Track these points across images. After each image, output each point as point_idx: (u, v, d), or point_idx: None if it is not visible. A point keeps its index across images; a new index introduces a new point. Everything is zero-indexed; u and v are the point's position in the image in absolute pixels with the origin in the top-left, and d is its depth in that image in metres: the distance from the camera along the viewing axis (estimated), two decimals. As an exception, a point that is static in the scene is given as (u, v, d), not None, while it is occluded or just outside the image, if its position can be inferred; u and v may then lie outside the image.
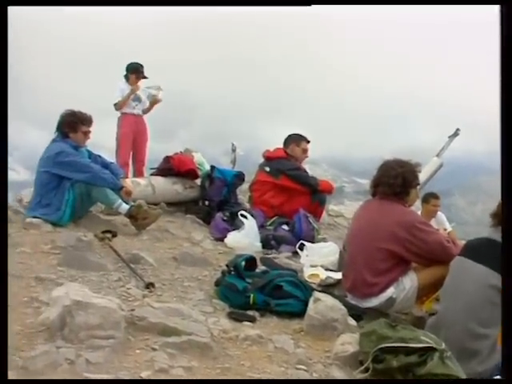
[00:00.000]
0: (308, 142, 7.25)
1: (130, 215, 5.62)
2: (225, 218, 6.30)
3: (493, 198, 3.15)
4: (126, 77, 8.40)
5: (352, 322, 3.69)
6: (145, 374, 2.56)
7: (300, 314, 3.71)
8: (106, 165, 5.87)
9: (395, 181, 4.17)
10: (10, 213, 5.62)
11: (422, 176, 5.84)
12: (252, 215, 6.06)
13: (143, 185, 6.70)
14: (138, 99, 8.44)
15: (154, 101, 8.63)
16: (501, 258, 3.05)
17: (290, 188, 6.86)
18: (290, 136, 7.21)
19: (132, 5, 4.03)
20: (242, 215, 5.94)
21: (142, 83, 8.51)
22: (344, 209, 8.91)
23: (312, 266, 5.03)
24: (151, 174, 7.40)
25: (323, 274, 4.81)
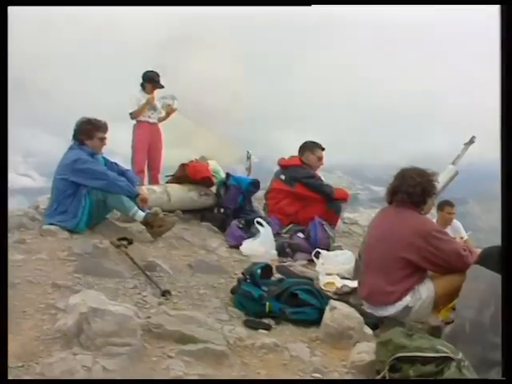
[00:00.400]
0: (323, 149, 7.24)
1: (145, 222, 5.63)
2: (240, 226, 6.29)
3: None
4: (142, 85, 8.46)
5: (368, 330, 3.67)
6: (161, 382, 2.56)
7: (316, 322, 3.71)
8: (122, 172, 5.88)
9: (414, 190, 4.15)
10: (26, 219, 5.66)
11: (438, 184, 5.79)
12: (267, 223, 6.06)
13: (159, 192, 6.71)
14: (153, 108, 8.50)
15: (169, 110, 8.69)
16: (500, 258, 3.01)
17: (305, 196, 6.85)
18: (304, 144, 7.20)
19: (135, 4, 3.99)
20: (258, 222, 5.94)
21: (156, 92, 8.57)
22: (359, 216, 8.86)
23: (328, 274, 5.01)
24: (167, 182, 7.41)
25: (339, 283, 4.79)
